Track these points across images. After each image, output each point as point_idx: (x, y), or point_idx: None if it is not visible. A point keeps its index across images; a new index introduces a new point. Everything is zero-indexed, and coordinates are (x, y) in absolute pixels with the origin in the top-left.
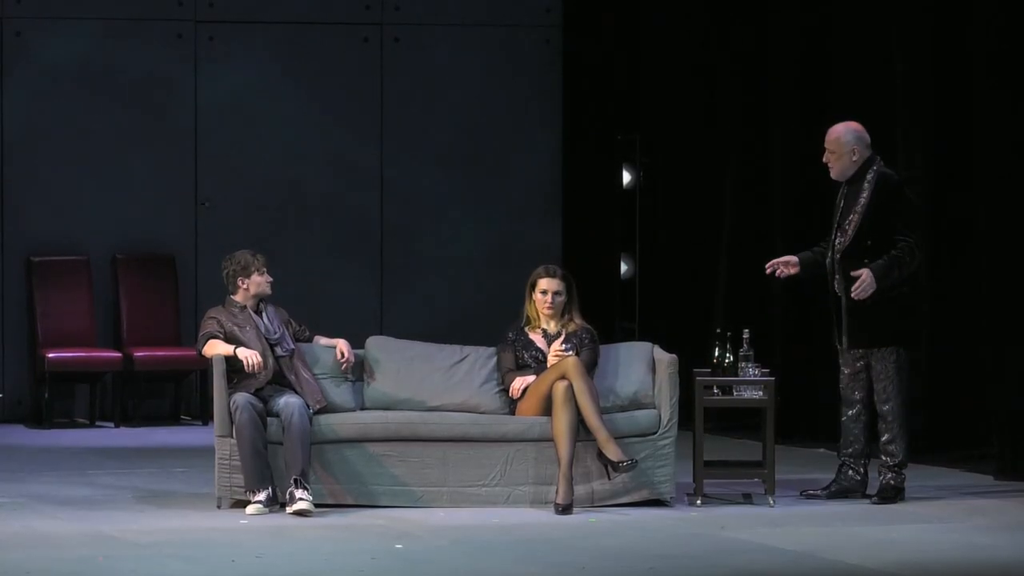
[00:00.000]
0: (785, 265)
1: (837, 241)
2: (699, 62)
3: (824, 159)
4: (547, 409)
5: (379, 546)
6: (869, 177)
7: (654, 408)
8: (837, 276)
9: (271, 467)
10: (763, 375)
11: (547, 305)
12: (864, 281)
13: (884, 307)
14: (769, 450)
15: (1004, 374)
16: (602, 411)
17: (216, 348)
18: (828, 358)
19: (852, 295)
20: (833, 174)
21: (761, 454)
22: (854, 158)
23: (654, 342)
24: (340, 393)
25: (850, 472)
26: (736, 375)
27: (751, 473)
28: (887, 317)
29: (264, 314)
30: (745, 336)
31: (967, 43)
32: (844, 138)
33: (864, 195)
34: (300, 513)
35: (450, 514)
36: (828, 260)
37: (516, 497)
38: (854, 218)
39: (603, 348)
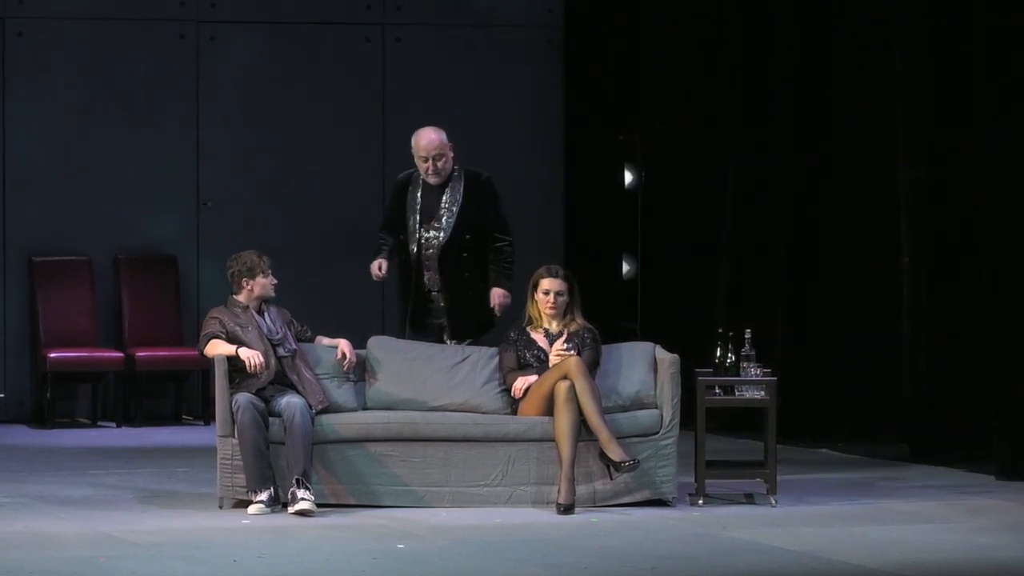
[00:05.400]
0: (379, 269)
1: (426, 236)
2: (700, 62)
3: (429, 168)
4: (549, 409)
5: (381, 546)
6: (455, 174)
7: (656, 408)
8: (430, 271)
9: (273, 467)
10: (765, 375)
11: (549, 305)
12: (501, 300)
13: (482, 300)
14: (771, 450)
15: (1004, 374)
16: (604, 411)
17: (218, 348)
18: (830, 357)
19: (498, 313)
20: (442, 177)
21: (763, 454)
22: (451, 154)
23: (655, 342)
24: (342, 393)
25: None
26: (738, 375)
27: (753, 473)
28: (486, 309)
29: (266, 314)
30: (747, 336)
31: (967, 42)
32: (444, 139)
33: (458, 192)
34: (302, 513)
35: (452, 514)
36: (414, 256)
37: (518, 497)
38: (446, 214)
39: (605, 348)
